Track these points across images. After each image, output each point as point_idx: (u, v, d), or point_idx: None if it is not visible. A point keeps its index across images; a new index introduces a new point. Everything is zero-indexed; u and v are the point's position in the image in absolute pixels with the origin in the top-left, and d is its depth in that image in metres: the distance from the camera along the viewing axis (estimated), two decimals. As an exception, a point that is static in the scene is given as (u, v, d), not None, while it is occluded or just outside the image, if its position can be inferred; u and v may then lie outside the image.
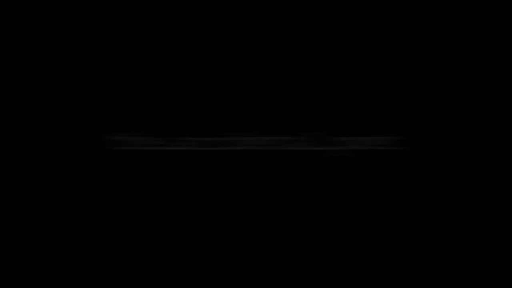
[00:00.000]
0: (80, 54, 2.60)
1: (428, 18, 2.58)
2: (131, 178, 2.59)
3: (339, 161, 2.58)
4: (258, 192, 2.59)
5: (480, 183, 2.56)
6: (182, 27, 2.60)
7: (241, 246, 2.58)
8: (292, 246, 2.57)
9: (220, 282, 2.56)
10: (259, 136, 2.58)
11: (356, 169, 2.58)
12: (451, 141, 2.57)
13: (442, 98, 2.58)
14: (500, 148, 2.56)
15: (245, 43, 2.60)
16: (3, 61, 2.59)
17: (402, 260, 2.55)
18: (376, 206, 2.58)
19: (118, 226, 2.58)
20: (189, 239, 2.58)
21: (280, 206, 2.59)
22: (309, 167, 2.59)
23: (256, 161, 2.59)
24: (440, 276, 2.53)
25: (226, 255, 2.57)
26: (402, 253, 2.56)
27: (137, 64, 2.60)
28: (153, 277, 2.56)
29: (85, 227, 2.57)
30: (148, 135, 2.59)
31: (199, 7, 2.60)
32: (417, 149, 2.57)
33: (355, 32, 2.59)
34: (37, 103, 2.59)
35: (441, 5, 2.58)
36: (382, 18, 2.59)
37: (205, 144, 2.58)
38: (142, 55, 2.60)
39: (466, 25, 2.58)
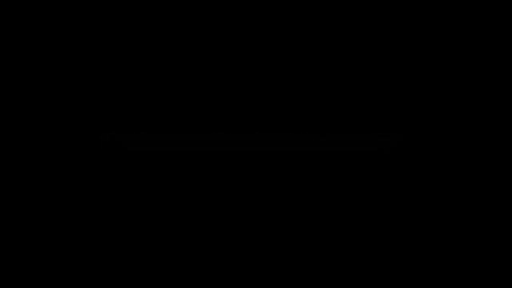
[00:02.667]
0: (78, 53, 2.60)
1: (427, 18, 2.59)
2: (130, 179, 2.59)
3: (336, 161, 2.58)
4: (257, 192, 2.59)
5: (478, 184, 2.56)
6: (185, 24, 2.61)
7: (240, 245, 2.58)
8: (291, 246, 2.57)
9: (220, 283, 2.56)
10: (256, 135, 2.59)
11: (353, 169, 2.58)
12: (449, 141, 2.58)
13: (439, 98, 2.58)
14: (497, 149, 2.57)
15: (241, 42, 2.61)
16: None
17: (401, 261, 2.55)
18: (375, 206, 2.58)
19: (116, 227, 2.58)
20: (190, 240, 2.58)
21: (280, 207, 2.59)
22: (306, 167, 2.59)
23: (255, 161, 2.59)
24: (439, 276, 2.54)
25: (226, 255, 2.58)
26: (399, 254, 2.56)
27: (137, 63, 2.61)
28: (151, 278, 2.56)
29: (82, 228, 2.58)
30: (148, 135, 2.60)
31: (199, 7, 2.61)
32: (416, 150, 2.58)
33: (351, 32, 2.60)
34: (33, 102, 2.60)
35: (442, 5, 2.59)
36: (373, 15, 2.60)
37: (200, 144, 2.59)
38: (142, 53, 2.60)
39: (464, 25, 2.59)
